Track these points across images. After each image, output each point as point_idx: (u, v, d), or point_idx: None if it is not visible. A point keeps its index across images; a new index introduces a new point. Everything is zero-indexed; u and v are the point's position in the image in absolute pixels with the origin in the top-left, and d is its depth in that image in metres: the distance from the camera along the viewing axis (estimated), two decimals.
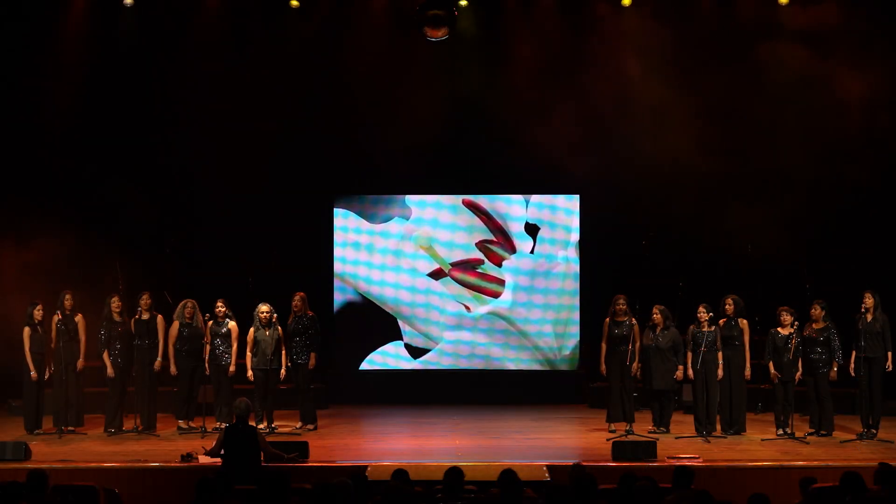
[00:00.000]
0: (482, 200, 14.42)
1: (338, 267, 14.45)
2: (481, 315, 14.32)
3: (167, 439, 11.55)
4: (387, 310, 14.42)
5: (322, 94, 14.34)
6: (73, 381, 11.82)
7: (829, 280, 12.98)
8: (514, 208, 14.39)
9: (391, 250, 14.41)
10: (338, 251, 14.46)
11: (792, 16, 13.56)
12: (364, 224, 14.43)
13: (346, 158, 14.42)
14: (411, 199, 14.44)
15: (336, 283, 14.43)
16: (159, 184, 14.23)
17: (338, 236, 14.44)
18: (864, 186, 13.70)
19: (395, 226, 14.40)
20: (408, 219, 14.40)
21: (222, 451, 9.37)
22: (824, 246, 13.70)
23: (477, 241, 14.36)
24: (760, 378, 12.33)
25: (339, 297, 14.44)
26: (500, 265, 14.34)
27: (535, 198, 14.35)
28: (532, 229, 14.31)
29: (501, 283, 14.35)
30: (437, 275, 14.37)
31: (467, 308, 14.33)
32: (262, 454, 9.47)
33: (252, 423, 9.54)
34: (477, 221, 14.39)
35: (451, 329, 14.35)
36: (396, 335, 14.39)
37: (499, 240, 14.34)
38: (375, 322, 14.42)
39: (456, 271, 14.35)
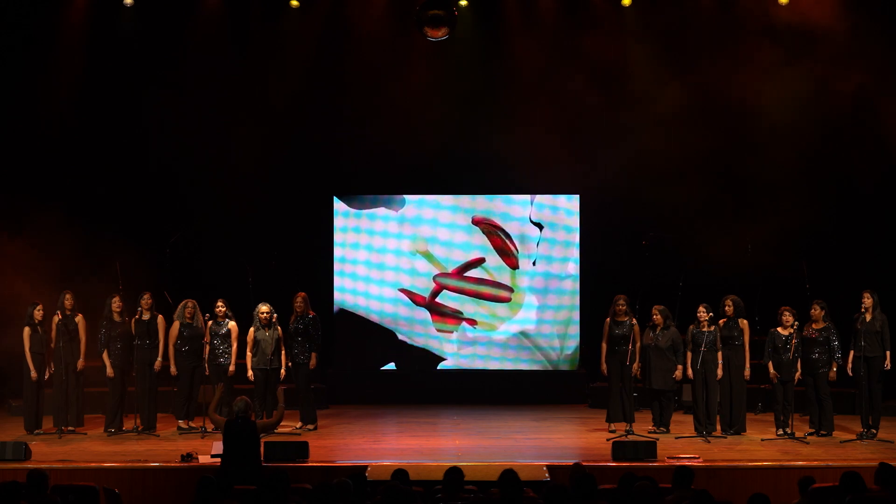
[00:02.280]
0: (480, 200, 14.41)
1: (337, 267, 14.46)
2: (507, 337, 14.31)
3: (167, 439, 11.55)
4: (386, 311, 14.43)
5: (322, 94, 14.36)
6: (73, 381, 11.82)
7: (829, 280, 12.99)
8: (513, 208, 14.38)
9: (391, 250, 14.41)
10: (338, 251, 14.47)
11: (791, 17, 13.56)
12: (364, 223, 14.43)
13: (345, 158, 14.44)
14: (410, 199, 14.44)
15: (336, 283, 14.43)
16: (159, 184, 14.23)
17: (338, 237, 14.45)
18: (864, 186, 13.74)
19: (394, 225, 14.39)
20: (407, 218, 14.40)
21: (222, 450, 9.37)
22: (824, 246, 13.70)
23: (476, 219, 14.36)
24: (760, 378, 12.33)
25: (338, 298, 14.45)
26: (515, 268, 14.32)
27: (535, 198, 14.35)
28: (535, 229, 14.31)
29: (506, 288, 14.33)
30: (434, 294, 14.37)
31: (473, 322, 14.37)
32: (262, 449, 9.48)
33: (252, 419, 9.52)
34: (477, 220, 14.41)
35: (462, 344, 14.39)
36: (395, 341, 14.39)
37: (509, 245, 14.34)
38: (375, 323, 14.42)
39: (454, 277, 14.31)
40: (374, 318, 14.43)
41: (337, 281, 14.44)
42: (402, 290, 14.38)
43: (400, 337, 14.40)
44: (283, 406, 10.09)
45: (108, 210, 14.03)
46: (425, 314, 14.38)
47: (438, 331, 14.37)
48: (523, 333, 14.32)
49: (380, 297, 14.43)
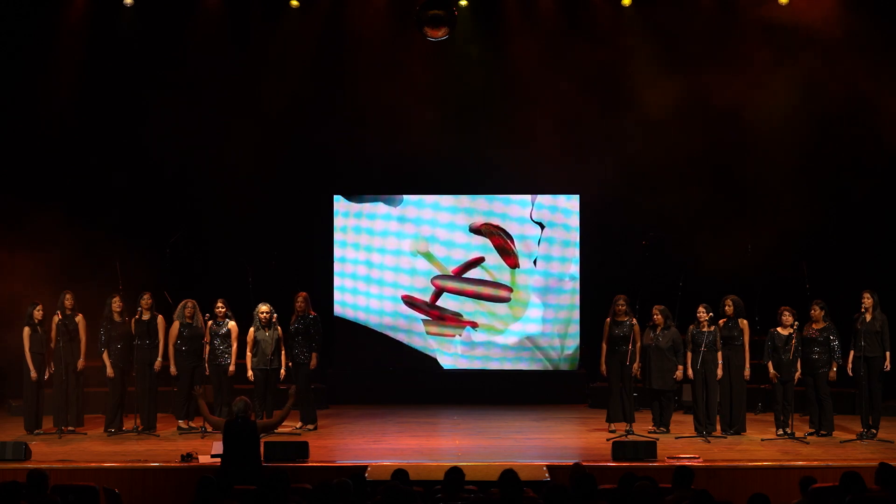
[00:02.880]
0: (480, 200, 14.41)
1: (337, 267, 14.46)
2: (511, 345, 14.30)
3: (167, 439, 11.55)
4: (386, 311, 14.43)
5: (322, 94, 14.36)
6: (73, 381, 11.82)
7: (829, 280, 12.99)
8: (513, 208, 14.38)
9: (391, 250, 14.41)
10: (338, 251, 14.46)
11: (790, 19, 13.56)
12: (363, 223, 14.42)
13: (345, 158, 14.45)
14: (411, 199, 14.44)
15: (336, 283, 14.43)
16: (159, 184, 14.23)
17: (338, 236, 14.45)
18: (863, 186, 13.76)
19: (394, 225, 14.39)
20: (407, 218, 14.40)
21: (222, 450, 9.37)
22: (824, 246, 13.70)
23: (479, 224, 14.35)
24: (760, 378, 12.33)
25: (338, 298, 14.44)
26: (515, 267, 14.31)
27: (536, 198, 14.33)
28: (536, 228, 14.30)
29: (506, 287, 14.33)
30: (436, 296, 14.37)
31: (474, 326, 14.37)
32: (262, 449, 9.48)
33: (252, 419, 9.52)
34: (478, 221, 14.40)
35: (466, 347, 14.39)
36: (396, 342, 14.39)
37: (510, 244, 14.33)
38: (375, 323, 14.42)
39: (453, 278, 14.30)
40: (374, 318, 14.42)
41: (337, 281, 14.44)
42: (404, 298, 14.36)
43: (400, 338, 14.40)
44: (291, 406, 10.05)
45: (108, 210, 14.02)
46: (426, 317, 14.37)
47: (438, 334, 14.36)
48: (528, 337, 14.31)
49: (380, 297, 14.42)
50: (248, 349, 12.02)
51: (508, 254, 14.34)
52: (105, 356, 11.92)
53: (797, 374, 11.48)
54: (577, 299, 14.29)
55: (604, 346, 11.97)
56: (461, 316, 14.36)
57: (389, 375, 14.43)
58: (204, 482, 7.33)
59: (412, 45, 13.69)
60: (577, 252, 14.30)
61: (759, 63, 13.71)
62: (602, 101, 13.95)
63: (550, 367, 14.35)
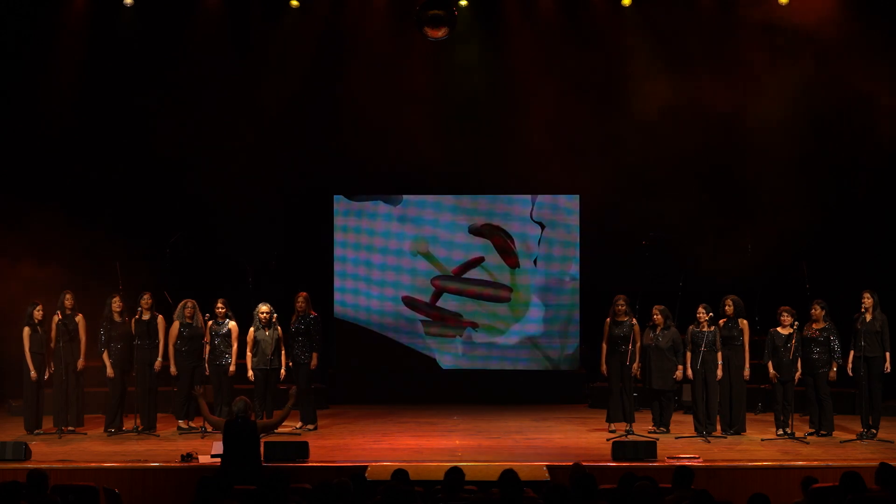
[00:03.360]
0: (481, 200, 14.40)
1: (338, 267, 14.46)
2: (511, 345, 14.30)
3: (167, 439, 11.55)
4: (387, 311, 14.42)
5: (322, 94, 14.36)
6: (73, 381, 11.82)
7: (829, 280, 12.98)
8: (514, 207, 14.37)
9: (392, 250, 14.40)
10: (338, 251, 14.46)
11: (790, 19, 13.56)
12: (364, 223, 14.42)
13: (345, 158, 14.44)
14: (411, 199, 14.43)
15: (336, 283, 14.43)
16: (159, 184, 14.23)
17: (338, 236, 14.44)
18: (863, 185, 13.77)
19: (395, 225, 14.38)
20: (408, 218, 14.39)
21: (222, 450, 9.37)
22: (824, 246, 13.69)
23: (481, 223, 14.34)
24: (760, 378, 12.32)
25: (339, 298, 14.44)
26: (515, 266, 14.30)
27: (537, 198, 14.33)
28: (537, 228, 14.30)
29: (505, 288, 14.32)
30: (436, 296, 14.37)
31: (474, 326, 14.37)
32: (262, 449, 9.48)
33: (252, 419, 9.52)
34: (479, 220, 14.40)
35: (467, 347, 14.38)
36: (396, 342, 14.38)
37: (510, 244, 14.33)
38: (376, 323, 14.41)
39: (453, 279, 14.29)
40: (375, 318, 14.41)
41: (337, 281, 14.43)
42: (404, 299, 14.35)
43: (401, 338, 14.39)
44: (291, 406, 10.04)
45: (108, 210, 14.02)
46: (426, 317, 14.37)
47: (439, 335, 14.35)
48: (529, 337, 14.29)
49: (380, 298, 14.42)
50: (248, 349, 12.02)
51: (509, 253, 14.34)
52: (105, 356, 11.92)
53: (797, 374, 11.49)
54: (577, 299, 14.28)
55: (604, 346, 11.97)
56: (461, 317, 14.36)
57: (389, 375, 14.42)
58: (204, 482, 7.33)
59: (412, 45, 13.70)
60: (577, 252, 14.30)
61: (759, 63, 13.73)
62: (602, 101, 13.97)
63: (550, 367, 14.35)
